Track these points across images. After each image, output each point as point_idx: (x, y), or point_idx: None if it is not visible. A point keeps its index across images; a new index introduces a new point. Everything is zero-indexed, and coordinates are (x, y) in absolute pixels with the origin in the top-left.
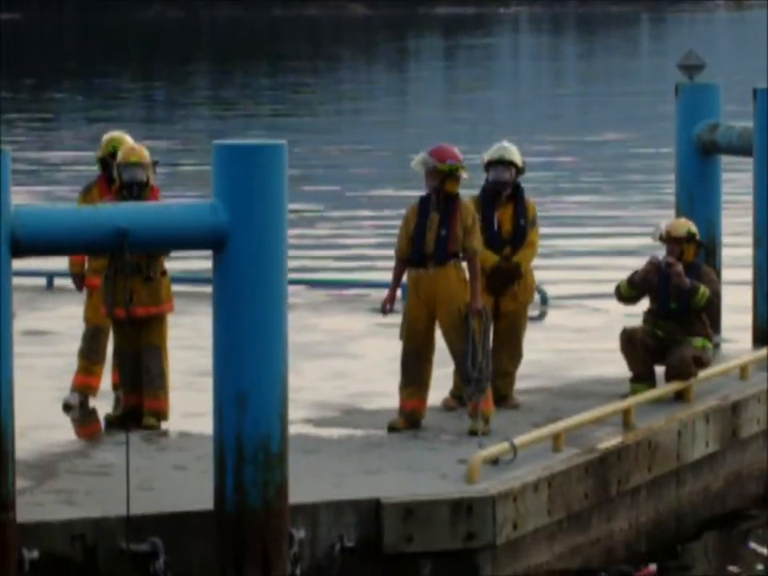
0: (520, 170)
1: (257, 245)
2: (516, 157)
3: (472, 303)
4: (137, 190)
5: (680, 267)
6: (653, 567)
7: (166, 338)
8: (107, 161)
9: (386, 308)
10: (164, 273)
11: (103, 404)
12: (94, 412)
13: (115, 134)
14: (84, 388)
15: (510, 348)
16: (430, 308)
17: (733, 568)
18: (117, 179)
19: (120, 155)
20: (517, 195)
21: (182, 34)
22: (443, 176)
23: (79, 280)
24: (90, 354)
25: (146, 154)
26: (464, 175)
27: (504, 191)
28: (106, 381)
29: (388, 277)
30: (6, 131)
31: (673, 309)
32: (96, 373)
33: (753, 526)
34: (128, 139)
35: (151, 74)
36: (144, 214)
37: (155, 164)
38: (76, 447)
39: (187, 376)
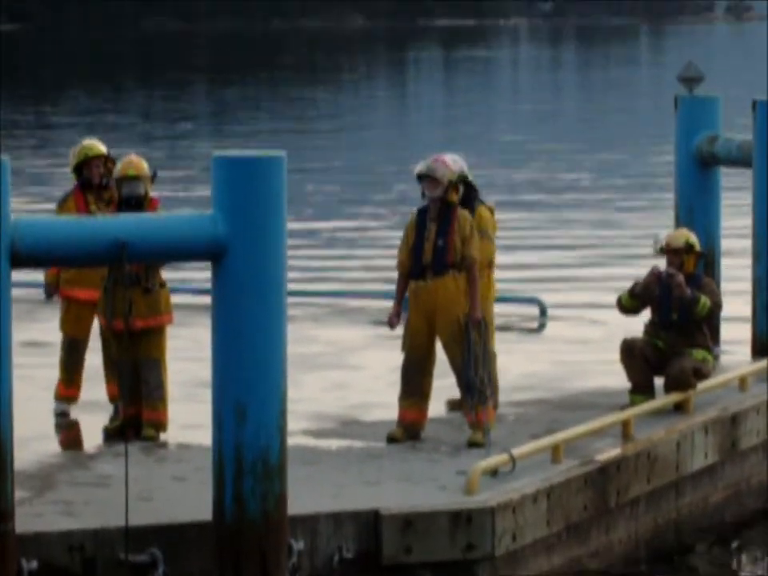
0: (454, 185)
1: (256, 256)
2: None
3: (471, 313)
4: (135, 203)
5: (681, 278)
6: None
7: (165, 349)
8: (81, 169)
9: (392, 323)
10: (163, 284)
11: (102, 416)
12: (75, 423)
13: (86, 142)
14: (66, 398)
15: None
16: (429, 319)
17: None
18: (116, 193)
19: (118, 169)
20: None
21: (182, 46)
22: (448, 185)
23: (52, 289)
24: (69, 365)
25: (144, 167)
26: (460, 186)
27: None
28: (99, 393)
29: (387, 288)
30: (5, 141)
31: (674, 320)
32: (76, 383)
33: (752, 538)
34: (99, 146)
35: (150, 85)
36: (143, 226)
37: (154, 175)
38: (75, 458)
39: (186, 387)
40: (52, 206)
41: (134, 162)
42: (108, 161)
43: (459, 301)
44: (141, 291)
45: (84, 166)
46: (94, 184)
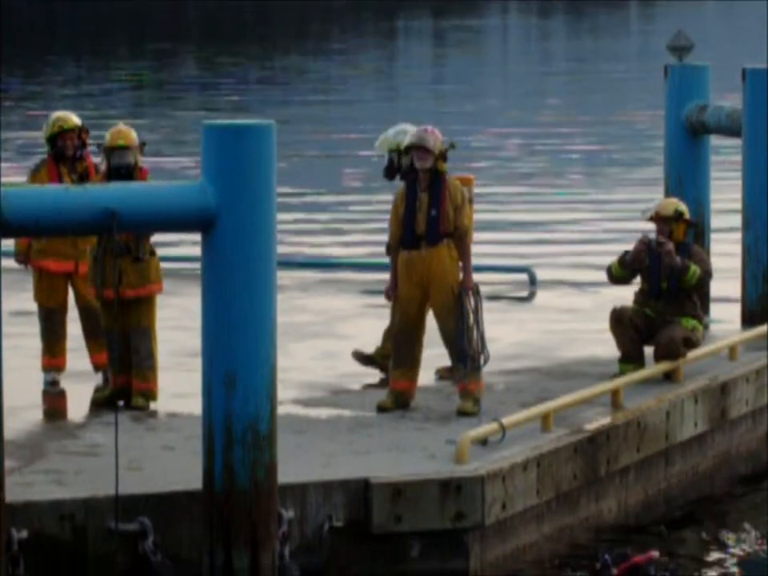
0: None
1: (245, 225)
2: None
3: (465, 282)
4: (125, 173)
5: (671, 246)
6: (654, 554)
7: (155, 318)
8: (55, 140)
9: (389, 295)
10: (153, 253)
11: (91, 386)
12: (64, 392)
13: (61, 113)
14: (51, 368)
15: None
16: (423, 289)
17: (721, 548)
18: (104, 163)
19: (107, 139)
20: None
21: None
22: (437, 156)
23: (23, 258)
24: (49, 336)
25: (133, 137)
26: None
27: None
28: (88, 362)
29: (376, 258)
30: None
31: (664, 288)
32: (59, 352)
33: (741, 507)
34: (73, 118)
35: (139, 55)
36: (132, 195)
37: (143, 145)
38: (65, 427)
39: (176, 357)
40: None
41: (123, 131)
42: (82, 132)
43: (452, 270)
44: (131, 260)
45: (58, 138)
46: (67, 156)
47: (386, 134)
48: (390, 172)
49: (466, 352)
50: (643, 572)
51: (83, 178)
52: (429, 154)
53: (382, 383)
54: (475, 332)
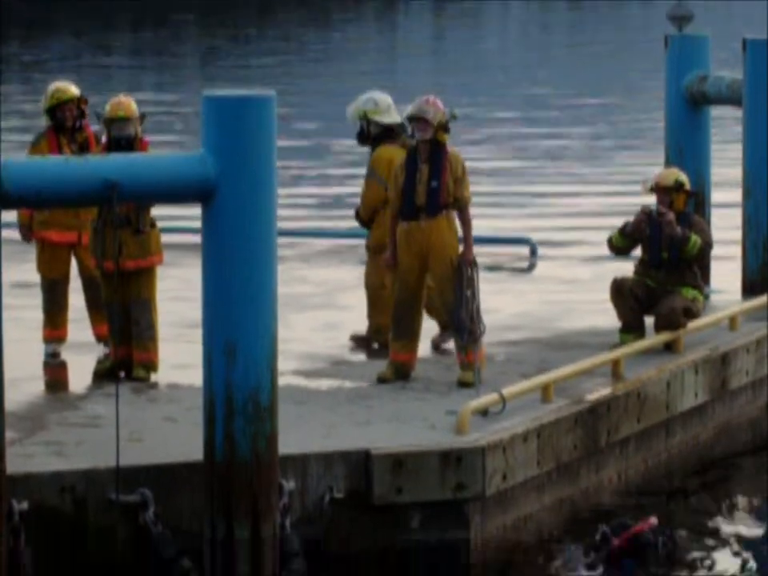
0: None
1: (245, 196)
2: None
3: (465, 253)
4: (125, 145)
5: (671, 216)
6: (653, 520)
7: (155, 290)
8: (54, 112)
9: (390, 264)
10: (153, 225)
11: (92, 357)
12: (65, 363)
13: (60, 84)
14: (53, 340)
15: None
16: (422, 260)
17: (721, 518)
18: (105, 134)
19: (107, 110)
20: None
21: None
22: (438, 126)
23: (26, 231)
24: (51, 307)
25: (133, 108)
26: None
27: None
28: (88, 334)
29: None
30: None
31: (664, 258)
32: (60, 324)
33: (741, 477)
34: (72, 89)
35: (138, 24)
36: (132, 166)
37: (143, 117)
38: (65, 399)
39: (177, 328)
40: None
41: (124, 103)
42: (81, 102)
43: (452, 242)
44: (131, 232)
45: (57, 109)
46: (67, 127)
47: (356, 102)
48: (362, 138)
49: (463, 324)
50: (643, 540)
51: (83, 148)
52: (428, 125)
53: (382, 353)
54: (473, 303)
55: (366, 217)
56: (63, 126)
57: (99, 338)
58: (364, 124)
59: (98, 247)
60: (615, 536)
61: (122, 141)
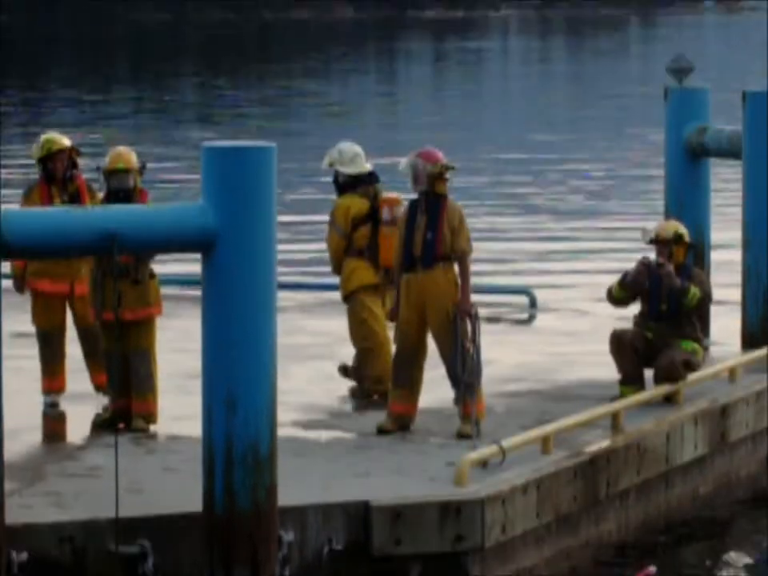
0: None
1: (246, 247)
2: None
3: (461, 304)
4: (123, 197)
5: (671, 267)
6: (652, 569)
7: (155, 341)
8: (45, 162)
9: (393, 317)
10: (152, 275)
11: (91, 407)
12: (64, 414)
13: (50, 135)
14: (52, 391)
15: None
16: (420, 311)
17: (721, 572)
18: (104, 186)
19: (106, 162)
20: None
21: (171, 36)
22: (433, 177)
23: (20, 282)
24: (48, 358)
25: (132, 159)
26: (448, 176)
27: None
28: (87, 384)
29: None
30: None
31: (663, 310)
32: (58, 374)
33: (741, 530)
34: (63, 139)
35: (139, 77)
36: (133, 217)
37: (143, 168)
38: (65, 449)
39: (176, 379)
40: None
41: (123, 154)
42: (72, 152)
43: (449, 292)
44: (130, 283)
45: (48, 160)
46: (58, 177)
47: (329, 152)
48: (336, 186)
49: (458, 376)
50: None
51: (74, 198)
52: (418, 178)
53: (382, 405)
54: (472, 355)
55: (335, 266)
56: (54, 177)
57: (98, 388)
58: (335, 173)
59: (97, 298)
60: None
61: (121, 193)
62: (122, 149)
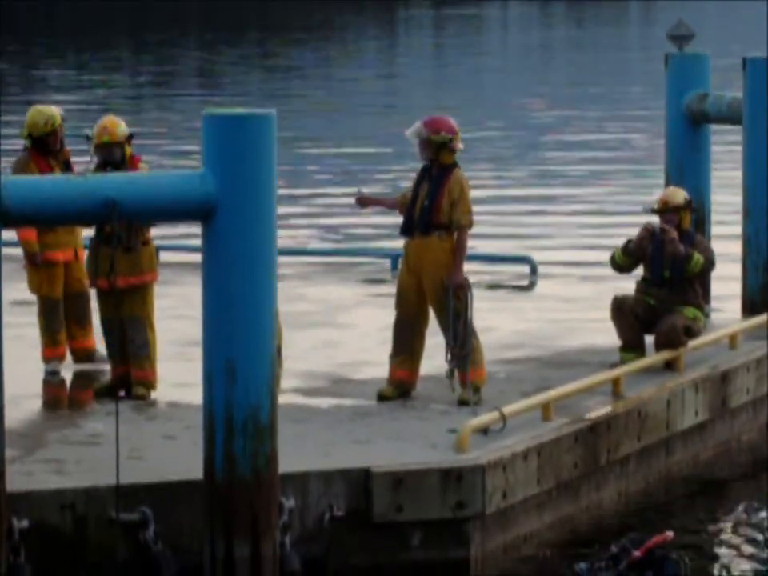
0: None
1: (246, 214)
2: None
3: (452, 276)
4: (112, 170)
5: (674, 233)
6: (669, 534)
7: (151, 308)
8: (46, 136)
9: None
10: (146, 242)
11: (90, 375)
12: (65, 381)
13: (46, 110)
14: (54, 359)
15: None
16: (417, 277)
17: (721, 537)
18: (93, 156)
19: (94, 135)
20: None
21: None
22: (437, 147)
23: (39, 256)
24: (53, 326)
25: (117, 131)
26: (459, 146)
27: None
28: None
29: (377, 246)
30: None
31: (666, 276)
32: (61, 342)
33: (741, 496)
34: (58, 113)
35: (139, 44)
36: (133, 185)
37: (131, 137)
38: (65, 417)
39: (176, 346)
40: None
41: (108, 127)
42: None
43: (444, 262)
44: (122, 250)
45: (51, 134)
46: (55, 150)
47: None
48: None
49: (449, 346)
50: (663, 551)
51: (68, 166)
52: (424, 146)
53: (382, 372)
54: (462, 327)
55: None
56: (51, 149)
57: (74, 353)
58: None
59: (91, 265)
60: (635, 548)
61: (109, 166)
62: (108, 120)
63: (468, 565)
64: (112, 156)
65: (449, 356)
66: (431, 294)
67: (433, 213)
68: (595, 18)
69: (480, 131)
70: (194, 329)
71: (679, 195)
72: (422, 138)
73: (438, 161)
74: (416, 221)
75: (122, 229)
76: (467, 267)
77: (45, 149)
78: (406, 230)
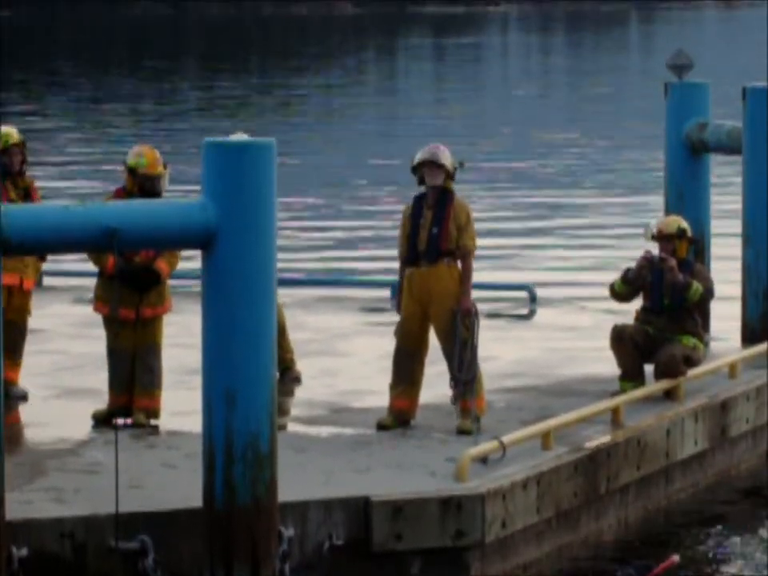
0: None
1: (246, 243)
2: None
3: (461, 302)
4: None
5: (673, 262)
6: (676, 558)
7: (163, 336)
8: (1, 157)
9: (397, 310)
10: None
11: (91, 403)
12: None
13: (4, 129)
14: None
15: None
16: (423, 307)
17: (721, 568)
18: (134, 186)
19: (144, 165)
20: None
21: (171, 31)
22: (448, 173)
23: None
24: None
25: (161, 162)
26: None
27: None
28: (86, 380)
29: (377, 276)
30: None
31: (665, 305)
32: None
33: (740, 525)
34: (16, 133)
35: (139, 71)
36: (133, 213)
37: (165, 167)
38: (65, 445)
39: (176, 374)
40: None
41: (158, 159)
42: (23, 147)
43: (453, 289)
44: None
45: (3, 154)
46: (13, 172)
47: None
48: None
49: (455, 374)
50: None
51: (27, 194)
52: (440, 170)
53: (382, 401)
54: (469, 353)
55: None
56: (9, 172)
57: (6, 383)
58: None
59: (115, 296)
60: (640, 575)
61: (154, 197)
62: (149, 149)
63: None
64: (158, 187)
65: (453, 383)
66: (439, 322)
67: (441, 240)
68: (595, 47)
69: (480, 161)
70: (194, 357)
71: (673, 224)
72: (439, 162)
73: (442, 187)
74: (422, 250)
75: (151, 259)
76: None
77: (4, 171)
78: (411, 259)
